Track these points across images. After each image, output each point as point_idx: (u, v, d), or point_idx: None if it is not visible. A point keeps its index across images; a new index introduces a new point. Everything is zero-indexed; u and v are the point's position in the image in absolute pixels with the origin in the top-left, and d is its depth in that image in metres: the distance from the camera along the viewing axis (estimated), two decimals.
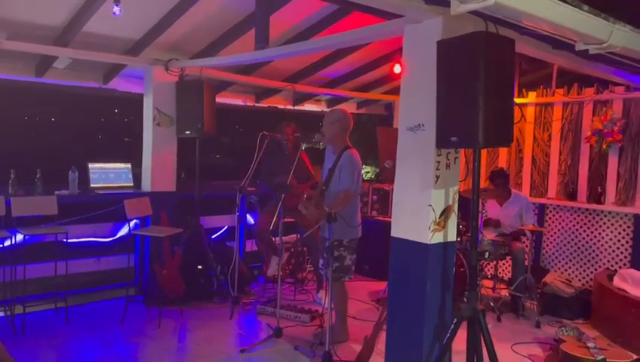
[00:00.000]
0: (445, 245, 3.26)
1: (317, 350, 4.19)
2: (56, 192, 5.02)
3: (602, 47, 2.60)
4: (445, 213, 3.22)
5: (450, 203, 3.26)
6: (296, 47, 4.34)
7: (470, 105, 2.79)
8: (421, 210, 3.19)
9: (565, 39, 2.72)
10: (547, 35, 3.25)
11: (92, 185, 5.39)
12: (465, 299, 3.95)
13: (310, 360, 4.14)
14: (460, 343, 3.07)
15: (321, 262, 4.62)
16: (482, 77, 2.75)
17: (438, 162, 3.16)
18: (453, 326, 2.96)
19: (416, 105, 3.25)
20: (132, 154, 5.90)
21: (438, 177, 3.16)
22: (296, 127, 5.74)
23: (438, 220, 3.18)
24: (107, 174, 5.52)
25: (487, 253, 5.18)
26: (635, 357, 3.78)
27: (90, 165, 5.43)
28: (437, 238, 3.20)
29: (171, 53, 5.50)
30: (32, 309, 4.79)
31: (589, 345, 3.74)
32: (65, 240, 4.70)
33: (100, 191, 5.37)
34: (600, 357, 3.54)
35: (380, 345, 3.99)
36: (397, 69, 5.80)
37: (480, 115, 2.76)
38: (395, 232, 3.38)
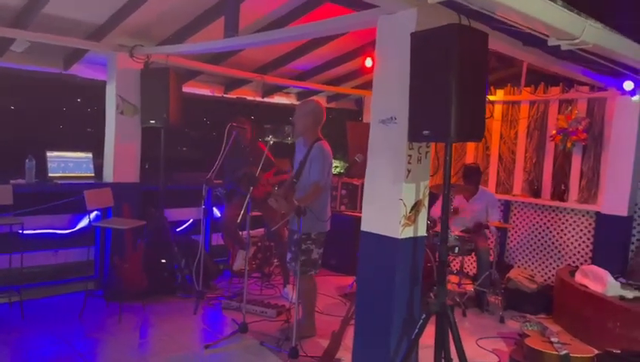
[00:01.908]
0: (415, 240, 3.23)
1: (283, 345, 4.13)
2: (12, 181, 4.79)
3: (574, 43, 2.60)
4: (416, 207, 3.19)
5: (421, 197, 3.23)
6: (267, 35, 4.24)
7: (443, 99, 2.76)
8: (392, 204, 3.15)
9: (538, 34, 2.72)
10: (518, 32, 3.25)
11: (50, 175, 5.16)
12: (432, 295, 3.93)
13: (276, 356, 4.08)
14: (426, 338, 3.05)
15: (289, 255, 4.55)
16: (455, 70, 2.72)
17: (410, 156, 3.12)
18: (421, 321, 2.94)
19: (389, 98, 3.20)
20: (95, 144, 5.68)
21: (409, 171, 3.12)
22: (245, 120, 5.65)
23: (408, 214, 3.15)
24: (67, 163, 5.30)
25: (456, 248, 5.20)
26: (596, 351, 3.85)
27: (49, 153, 5.20)
28: (407, 233, 3.17)
29: (136, 39, 5.32)
30: None
31: (553, 340, 3.79)
32: (20, 231, 4.49)
33: (59, 181, 5.14)
34: (563, 352, 3.59)
35: (347, 340, 3.95)
36: (368, 62, 5.76)
37: (452, 109, 2.73)
38: (365, 226, 3.34)
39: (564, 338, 4.03)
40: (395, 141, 3.15)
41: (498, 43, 3.65)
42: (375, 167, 3.29)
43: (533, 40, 3.63)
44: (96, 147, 5.63)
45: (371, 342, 3.32)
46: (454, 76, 2.72)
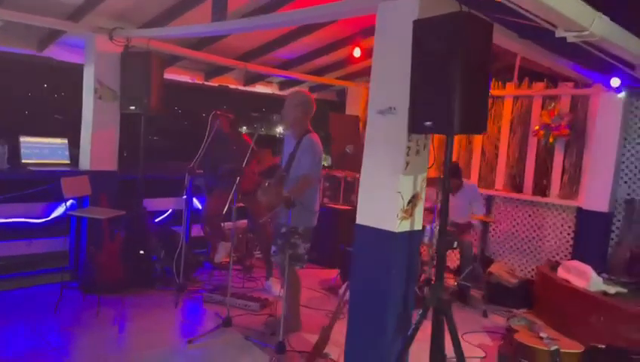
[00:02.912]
0: (411, 234, 3.16)
1: (269, 340, 4.03)
2: None
3: (582, 35, 2.56)
4: (413, 200, 3.12)
5: (418, 190, 3.16)
6: (259, 20, 4.07)
7: (446, 89, 2.68)
8: (389, 196, 3.07)
9: (547, 24, 2.67)
10: (515, 23, 3.20)
11: (24, 161, 4.92)
12: (416, 290, 3.86)
13: (262, 351, 3.97)
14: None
15: (273, 248, 4.44)
16: (460, 60, 2.65)
17: (409, 148, 3.04)
18: (419, 317, 2.87)
19: (388, 88, 3.11)
20: (71, 130, 5.44)
21: (407, 163, 3.04)
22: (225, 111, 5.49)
23: (405, 208, 3.08)
24: (41, 150, 5.06)
25: (455, 243, 5.17)
26: (583, 347, 3.85)
27: (22, 139, 4.96)
28: (404, 226, 3.09)
29: (116, 22, 5.09)
30: None
31: (542, 335, 3.78)
32: None
33: (33, 168, 4.91)
34: (553, 348, 3.58)
35: (335, 334, 3.87)
36: (357, 52, 5.65)
37: (456, 100, 2.65)
38: (361, 219, 3.24)
39: (548, 333, 4.03)
40: (394, 132, 3.06)
41: (494, 34, 3.58)
42: (372, 158, 3.20)
43: (528, 32, 3.61)
44: (72, 133, 5.40)
45: (365, 337, 3.24)
46: (458, 66, 2.65)
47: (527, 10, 2.52)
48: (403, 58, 2.93)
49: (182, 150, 4.68)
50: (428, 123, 2.79)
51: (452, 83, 2.66)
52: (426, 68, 2.82)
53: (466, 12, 2.66)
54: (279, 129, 13.64)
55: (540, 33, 3.19)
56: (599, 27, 2.53)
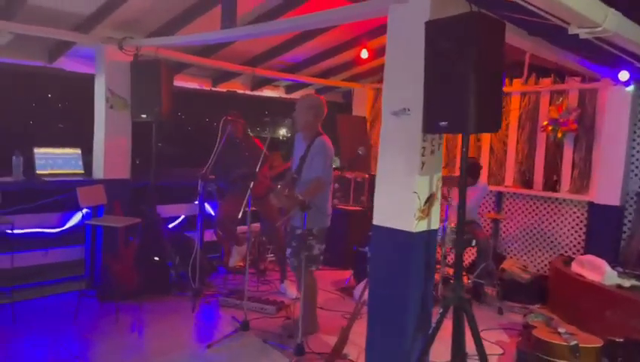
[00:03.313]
0: (429, 233, 3.18)
1: (287, 342, 4.06)
2: None
3: (595, 32, 2.57)
4: (429, 200, 3.14)
5: (434, 190, 3.18)
6: (269, 26, 4.10)
7: (461, 89, 2.70)
8: (406, 197, 3.09)
9: (560, 21, 2.68)
10: (524, 21, 3.22)
11: (38, 172, 4.96)
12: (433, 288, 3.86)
13: (281, 353, 4.00)
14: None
15: (288, 251, 4.47)
16: (474, 60, 2.67)
17: (424, 148, 3.06)
18: (439, 316, 2.89)
19: (402, 89, 3.13)
20: (82, 140, 5.48)
21: (423, 163, 3.07)
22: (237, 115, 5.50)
23: (422, 208, 3.10)
24: (55, 160, 5.10)
25: (473, 241, 5.17)
26: (602, 342, 3.85)
27: (36, 150, 5.00)
28: (421, 226, 3.11)
29: (125, 31, 5.14)
30: None
31: (560, 330, 3.79)
32: (10, 231, 4.30)
33: (48, 178, 4.96)
34: (573, 343, 3.59)
35: (353, 335, 3.90)
36: (364, 53, 5.67)
37: (471, 100, 2.67)
38: (378, 220, 3.26)
39: (566, 328, 4.04)
40: (408, 133, 3.08)
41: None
42: (388, 159, 3.22)
43: (538, 29, 3.63)
44: (83, 143, 5.44)
45: (385, 337, 3.26)
46: (471, 66, 2.67)
47: (539, 8, 2.54)
48: (415, 59, 2.96)
49: (191, 156, 4.70)
50: (443, 123, 2.81)
51: (466, 83, 2.69)
52: (439, 68, 2.84)
53: (477, 12, 2.68)
54: (282, 131, 13.70)
55: (549, 30, 3.21)
56: (612, 23, 2.55)
